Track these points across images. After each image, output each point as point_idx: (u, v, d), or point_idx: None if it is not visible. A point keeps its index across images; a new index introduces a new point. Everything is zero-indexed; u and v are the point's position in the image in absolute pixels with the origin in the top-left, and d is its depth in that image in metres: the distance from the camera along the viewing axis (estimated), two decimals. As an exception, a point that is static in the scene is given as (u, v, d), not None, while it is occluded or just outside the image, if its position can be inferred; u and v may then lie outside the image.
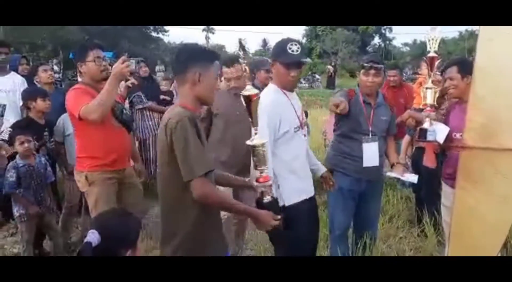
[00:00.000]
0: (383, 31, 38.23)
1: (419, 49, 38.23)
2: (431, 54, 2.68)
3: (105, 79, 2.54)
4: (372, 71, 2.72)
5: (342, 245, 2.92)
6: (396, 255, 3.28)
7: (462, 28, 28.12)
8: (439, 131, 2.70)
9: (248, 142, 1.83)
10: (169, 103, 5.01)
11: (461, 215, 2.76)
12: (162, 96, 5.20)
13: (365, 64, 2.73)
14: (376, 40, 39.14)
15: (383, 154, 2.92)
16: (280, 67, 2.26)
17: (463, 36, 29.50)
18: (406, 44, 43.24)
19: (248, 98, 1.78)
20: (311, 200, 2.35)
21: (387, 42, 39.43)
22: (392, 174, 2.92)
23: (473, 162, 2.63)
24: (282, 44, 2.28)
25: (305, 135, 2.39)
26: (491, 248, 2.69)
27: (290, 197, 2.21)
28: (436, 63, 2.71)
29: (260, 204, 1.82)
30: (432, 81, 2.70)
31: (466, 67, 2.65)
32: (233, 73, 2.93)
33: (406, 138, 4.13)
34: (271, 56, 2.35)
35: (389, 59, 33.28)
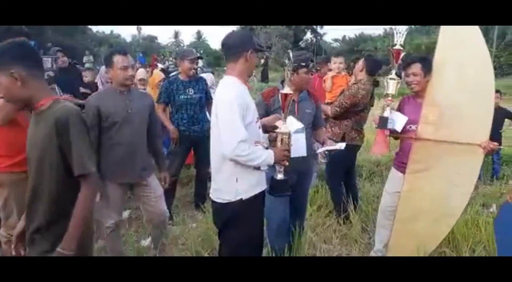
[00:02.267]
0: (315, 27, 39.34)
1: (348, 45, 40.05)
2: (397, 47, 2.83)
3: None
4: (304, 70, 2.83)
5: (280, 238, 2.93)
6: (324, 243, 3.39)
7: (387, 26, 29.79)
8: (398, 121, 2.87)
9: (277, 131, 2.26)
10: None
11: (408, 201, 2.92)
12: (82, 89, 4.87)
13: (302, 64, 2.82)
14: (308, 35, 40.20)
15: (312, 145, 2.99)
16: (254, 56, 2.23)
17: (388, 33, 31.20)
18: (336, 40, 44.92)
19: (284, 96, 2.24)
20: (263, 192, 2.33)
21: (319, 37, 40.64)
22: (322, 148, 3.00)
23: (424, 152, 2.86)
24: (248, 34, 2.31)
25: (260, 127, 2.37)
26: (435, 237, 2.88)
27: (249, 190, 2.18)
28: (401, 56, 2.89)
29: (274, 180, 2.26)
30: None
31: (428, 66, 2.84)
32: (130, 61, 2.77)
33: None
34: (239, 47, 2.19)
35: (320, 54, 34.44)
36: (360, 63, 3.88)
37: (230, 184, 2.14)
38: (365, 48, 34.76)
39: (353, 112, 3.70)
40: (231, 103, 2.05)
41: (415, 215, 2.88)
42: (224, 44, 2.26)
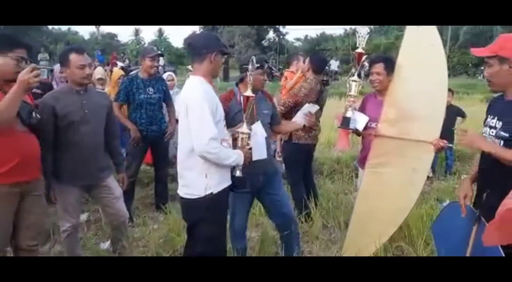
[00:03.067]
0: (277, 26, 39.61)
1: (310, 44, 40.63)
2: (359, 50, 2.89)
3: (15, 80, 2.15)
4: (259, 71, 2.78)
5: (240, 242, 2.93)
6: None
7: (347, 27, 30.48)
8: (359, 120, 2.94)
9: (239, 130, 2.37)
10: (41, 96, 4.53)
11: (366, 195, 3.01)
12: (34, 90, 4.64)
13: (259, 65, 2.77)
14: (271, 34, 40.41)
15: (270, 146, 3.02)
16: (219, 57, 2.28)
17: (348, 33, 31.92)
18: (298, 39, 45.45)
19: (246, 98, 2.38)
20: (229, 187, 2.38)
21: (281, 36, 40.95)
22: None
23: (383, 148, 2.95)
24: (214, 36, 2.37)
25: (225, 126, 2.44)
26: (386, 230, 2.95)
27: (218, 185, 2.25)
28: (363, 58, 2.95)
29: (233, 178, 2.33)
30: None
31: (390, 66, 2.93)
32: (87, 60, 2.70)
33: None
34: (204, 48, 2.22)
35: (283, 54, 34.73)
36: (306, 62, 3.94)
37: (200, 180, 2.19)
38: (326, 47, 35.40)
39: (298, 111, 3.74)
40: (201, 101, 2.12)
41: (371, 209, 2.97)
42: (189, 44, 2.32)
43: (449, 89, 6.38)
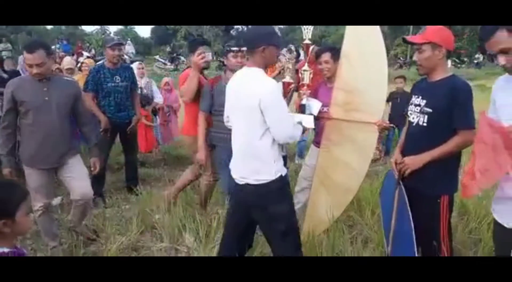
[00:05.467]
0: (245, 15, 39.52)
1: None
2: (306, 41, 3.15)
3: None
4: (240, 54, 3.17)
5: None
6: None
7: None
8: (313, 106, 3.21)
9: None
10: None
11: (320, 171, 3.32)
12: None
13: (234, 48, 3.19)
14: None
15: None
16: (273, 50, 2.31)
17: (293, 28, 32.39)
18: (266, 29, 45.56)
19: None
20: None
21: (249, 25, 40.97)
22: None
23: (335, 130, 3.26)
24: (270, 28, 2.40)
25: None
26: (339, 204, 3.28)
27: (283, 167, 2.42)
28: (311, 48, 3.20)
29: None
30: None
31: (337, 54, 3.22)
32: (35, 59, 2.80)
33: None
34: (256, 41, 2.28)
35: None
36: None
37: (269, 166, 2.30)
38: (294, 37, 35.76)
39: None
40: (277, 93, 2.25)
41: (325, 185, 3.30)
42: (244, 36, 2.45)
43: (402, 76, 6.85)
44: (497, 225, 1.99)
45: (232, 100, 2.39)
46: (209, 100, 3.30)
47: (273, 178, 2.30)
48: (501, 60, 1.80)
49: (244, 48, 3.11)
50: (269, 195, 2.32)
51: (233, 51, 3.27)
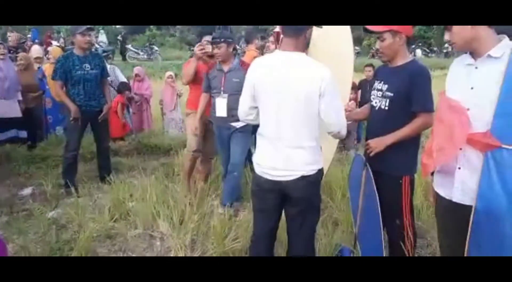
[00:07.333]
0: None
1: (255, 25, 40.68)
2: (277, 29, 3.20)
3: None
4: (220, 45, 3.51)
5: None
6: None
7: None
8: None
9: None
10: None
11: None
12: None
13: (215, 40, 3.55)
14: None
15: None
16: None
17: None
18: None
19: None
20: None
21: (249, 26, 40.68)
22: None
23: None
24: None
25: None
26: None
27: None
28: (281, 37, 3.24)
29: None
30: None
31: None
32: None
33: None
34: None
35: (233, 32, 34.53)
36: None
37: (317, 156, 2.22)
38: (269, 27, 35.72)
39: None
40: (333, 79, 2.08)
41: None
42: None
43: (371, 65, 7.02)
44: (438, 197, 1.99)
45: (279, 87, 2.11)
46: (207, 83, 3.73)
47: (321, 166, 2.26)
48: (446, 36, 1.84)
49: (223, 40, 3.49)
50: (315, 185, 2.27)
51: (214, 43, 3.59)
